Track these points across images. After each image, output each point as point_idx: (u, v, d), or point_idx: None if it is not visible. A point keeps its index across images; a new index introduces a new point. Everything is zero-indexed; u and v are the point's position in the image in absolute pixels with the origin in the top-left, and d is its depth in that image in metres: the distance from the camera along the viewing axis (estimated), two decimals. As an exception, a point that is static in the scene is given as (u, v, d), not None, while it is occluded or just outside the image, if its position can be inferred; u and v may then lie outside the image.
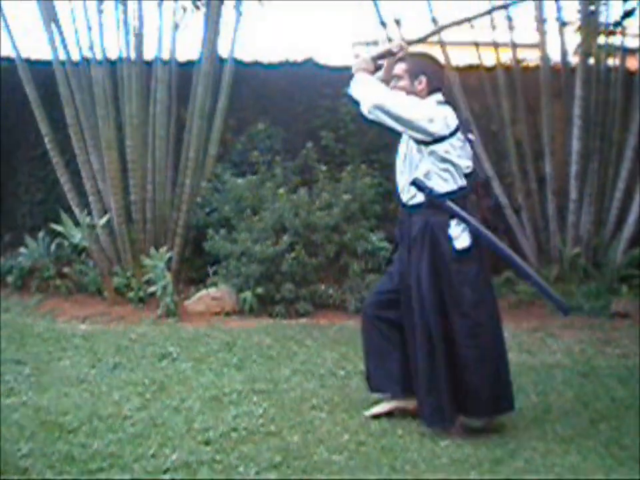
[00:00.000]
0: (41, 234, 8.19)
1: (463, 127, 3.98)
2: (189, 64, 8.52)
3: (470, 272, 3.91)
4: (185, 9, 8.71)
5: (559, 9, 8.18)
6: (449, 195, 3.94)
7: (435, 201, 3.93)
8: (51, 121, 8.17)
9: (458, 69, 8.68)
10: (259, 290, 7.04)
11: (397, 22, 8.72)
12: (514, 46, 8.37)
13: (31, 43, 10.62)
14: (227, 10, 8.47)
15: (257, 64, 9.42)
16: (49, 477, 3.27)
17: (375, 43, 12.43)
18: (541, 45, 8.24)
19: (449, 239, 3.90)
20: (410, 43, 4.25)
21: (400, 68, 4.09)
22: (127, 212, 7.92)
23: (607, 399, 4.52)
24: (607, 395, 4.60)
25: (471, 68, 8.93)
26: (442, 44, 8.28)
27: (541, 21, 8.17)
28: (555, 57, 8.36)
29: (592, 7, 7.95)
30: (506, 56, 8.44)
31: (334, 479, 3.35)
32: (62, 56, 7.94)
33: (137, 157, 7.88)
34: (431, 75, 4.06)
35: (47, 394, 4.52)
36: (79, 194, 8.12)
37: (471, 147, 4.02)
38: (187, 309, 7.13)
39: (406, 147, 4.09)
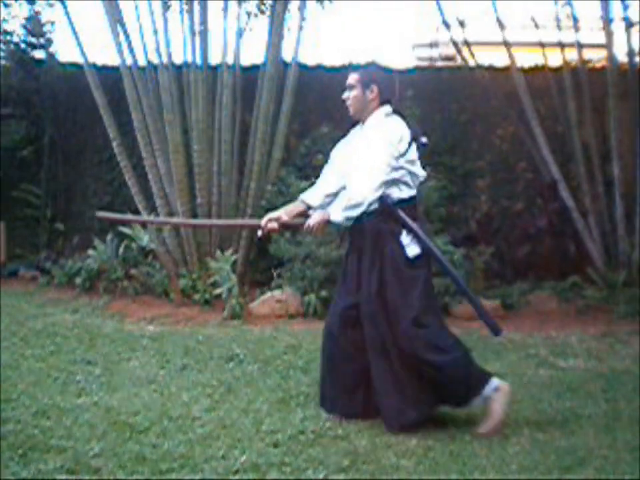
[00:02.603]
0: (108, 236, 8.33)
1: (415, 134, 4.11)
2: (254, 68, 8.61)
3: (420, 277, 3.98)
4: (249, 14, 8.81)
5: (625, 9, 8.01)
6: (402, 202, 4.03)
7: (387, 208, 4.00)
8: (118, 126, 8.33)
9: (523, 70, 8.60)
10: (323, 293, 7.07)
11: (461, 23, 8.67)
12: (580, 46, 8.22)
13: (98, 49, 10.84)
14: (291, 14, 8.54)
15: (320, 67, 9.49)
16: (121, 477, 3.28)
17: (436, 45, 12.38)
18: (607, 46, 8.07)
19: (401, 247, 3.96)
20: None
21: (352, 78, 4.19)
22: (193, 215, 8.00)
23: (679, 407, 4.42)
24: (679, 402, 4.50)
25: (536, 69, 8.86)
26: (507, 44, 8.21)
27: (607, 20, 8.00)
28: (622, 57, 8.18)
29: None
30: (571, 56, 8.31)
31: (402, 483, 3.35)
32: (129, 61, 8.07)
33: (203, 160, 7.98)
34: (382, 84, 4.16)
35: (117, 394, 4.56)
36: (145, 197, 8.26)
37: (424, 151, 4.18)
38: (252, 311, 7.20)
39: (353, 151, 4.22)
